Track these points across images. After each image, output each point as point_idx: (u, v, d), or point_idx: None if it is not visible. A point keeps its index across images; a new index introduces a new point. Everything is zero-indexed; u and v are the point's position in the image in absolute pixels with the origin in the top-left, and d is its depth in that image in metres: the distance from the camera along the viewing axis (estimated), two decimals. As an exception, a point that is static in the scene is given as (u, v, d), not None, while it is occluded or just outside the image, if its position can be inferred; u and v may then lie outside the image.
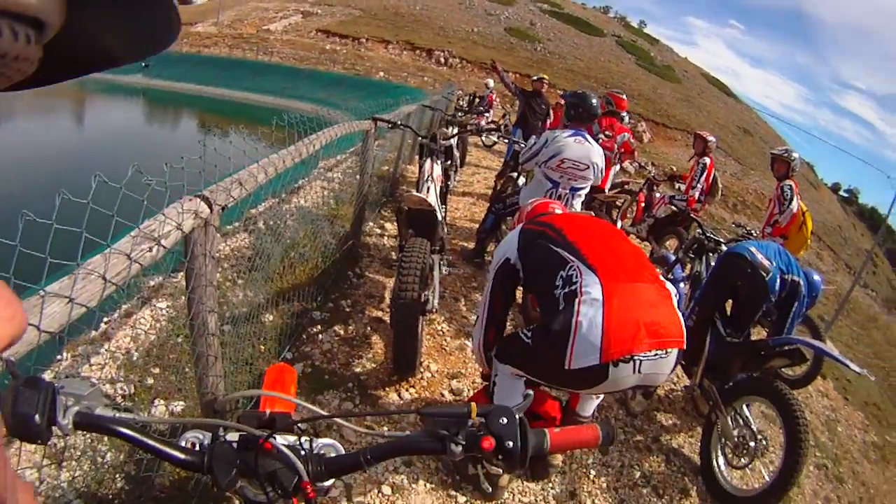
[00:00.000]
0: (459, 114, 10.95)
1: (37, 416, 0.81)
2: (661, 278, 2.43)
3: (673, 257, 5.20)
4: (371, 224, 6.28)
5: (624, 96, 8.30)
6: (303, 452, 0.98)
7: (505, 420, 0.95)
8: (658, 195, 8.28)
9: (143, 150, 19.65)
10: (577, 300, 2.18)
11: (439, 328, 4.47)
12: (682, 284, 5.01)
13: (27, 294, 1.41)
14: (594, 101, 4.62)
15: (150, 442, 0.93)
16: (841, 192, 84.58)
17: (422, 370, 3.86)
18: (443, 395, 3.70)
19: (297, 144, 3.32)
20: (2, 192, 16.80)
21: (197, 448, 0.97)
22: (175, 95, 36.65)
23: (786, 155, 6.25)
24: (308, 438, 1.01)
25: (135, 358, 3.56)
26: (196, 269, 2.13)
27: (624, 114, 8.40)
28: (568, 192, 4.48)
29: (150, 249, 1.67)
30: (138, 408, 3.12)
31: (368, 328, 4.25)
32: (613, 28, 63.50)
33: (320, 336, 4.07)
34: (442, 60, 42.91)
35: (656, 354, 2.15)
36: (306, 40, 45.56)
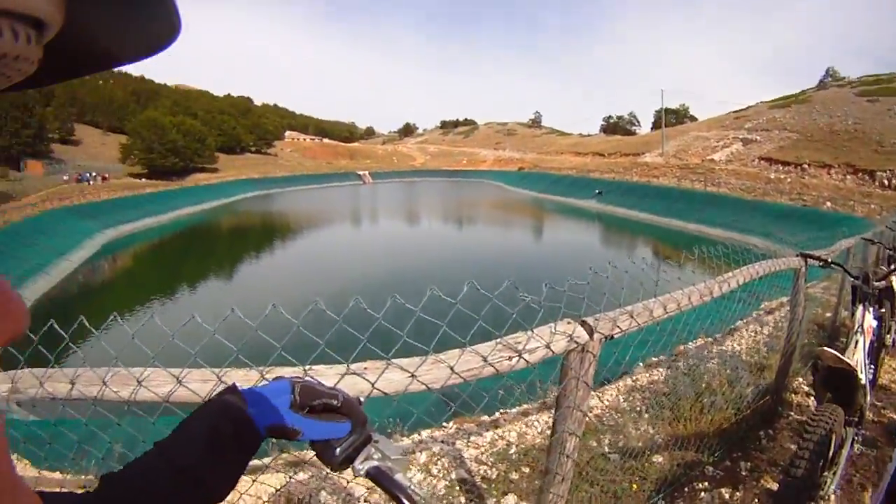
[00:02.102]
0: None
1: (337, 450, 0.92)
2: None
3: None
4: (800, 380, 5.41)
5: None
6: None
7: None
8: None
9: (565, 269, 21.16)
10: None
11: None
12: None
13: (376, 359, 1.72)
14: None
15: None
16: None
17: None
18: None
19: (707, 282, 3.12)
20: (415, 272, 20.17)
21: None
22: (628, 222, 39.33)
23: None
24: None
25: (511, 452, 3.67)
26: (567, 391, 2.17)
27: None
28: None
29: (510, 359, 1.82)
30: (490, 494, 3.33)
31: (756, 500, 3.59)
32: None
33: (702, 494, 3.59)
34: (885, 182, 37.78)
35: None
36: (750, 169, 45.61)
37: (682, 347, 5.50)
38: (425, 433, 3.94)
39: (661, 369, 5.22)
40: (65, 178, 58.93)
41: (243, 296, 23.14)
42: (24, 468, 4.57)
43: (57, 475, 4.34)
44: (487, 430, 4.03)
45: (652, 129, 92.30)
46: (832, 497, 3.50)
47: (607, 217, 40.94)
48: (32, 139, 61.77)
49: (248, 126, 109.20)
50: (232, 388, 0.85)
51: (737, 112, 67.97)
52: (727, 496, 3.60)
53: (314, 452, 0.93)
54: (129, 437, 1.79)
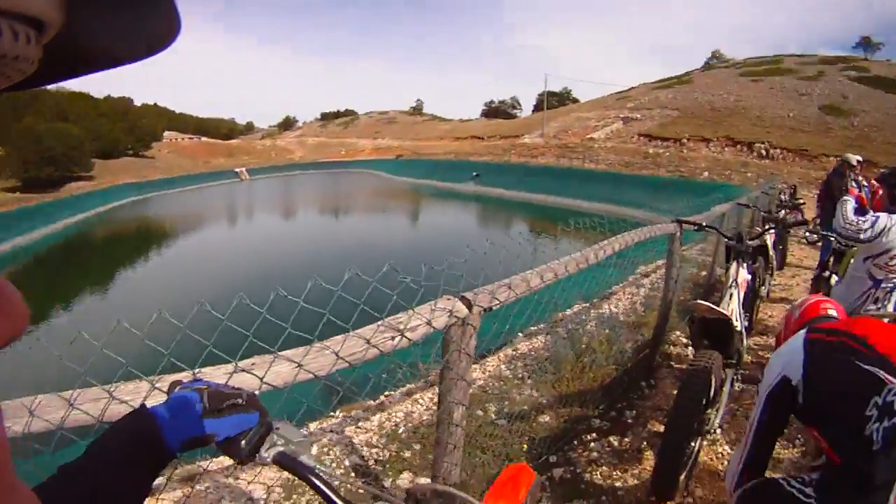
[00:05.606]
0: (783, 210, 9.90)
1: (243, 443, 0.95)
2: None
3: None
4: (678, 333, 5.87)
5: None
6: None
7: None
8: None
9: (444, 251, 21.22)
10: None
11: (720, 450, 3.91)
12: None
13: (262, 353, 1.70)
14: None
15: (334, 497, 0.99)
16: None
17: (685, 494, 3.39)
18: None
19: (584, 251, 3.27)
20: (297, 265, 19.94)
21: None
22: (505, 202, 39.59)
23: None
24: None
25: (400, 431, 3.77)
26: (450, 363, 2.26)
27: None
28: (889, 290, 3.76)
29: (392, 339, 1.88)
30: (386, 475, 3.36)
31: (644, 442, 3.92)
32: (930, 80, 54.15)
33: (591, 444, 3.87)
34: (763, 153, 40.33)
35: None
36: (629, 146, 46.32)
37: (560, 315, 5.75)
38: (314, 425, 3.96)
39: (540, 336, 5.43)
40: None
41: (125, 307, 21.97)
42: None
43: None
44: (375, 414, 4.08)
45: (533, 112, 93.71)
46: (718, 430, 3.87)
47: (485, 198, 40.74)
48: None
49: (125, 128, 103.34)
50: (141, 411, 0.85)
51: (619, 93, 69.31)
52: (616, 443, 3.90)
53: (222, 451, 0.95)
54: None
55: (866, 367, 1.81)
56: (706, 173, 36.62)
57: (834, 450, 1.88)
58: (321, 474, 1.01)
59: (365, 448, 3.68)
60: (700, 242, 9.16)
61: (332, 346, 1.74)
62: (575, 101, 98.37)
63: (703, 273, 8.12)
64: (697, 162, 39.79)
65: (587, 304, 6.19)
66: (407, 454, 3.59)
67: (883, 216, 3.70)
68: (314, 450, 3.48)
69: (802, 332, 2.20)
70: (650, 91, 63.25)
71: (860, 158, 9.30)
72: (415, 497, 1.08)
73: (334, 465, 3.36)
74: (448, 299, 2.14)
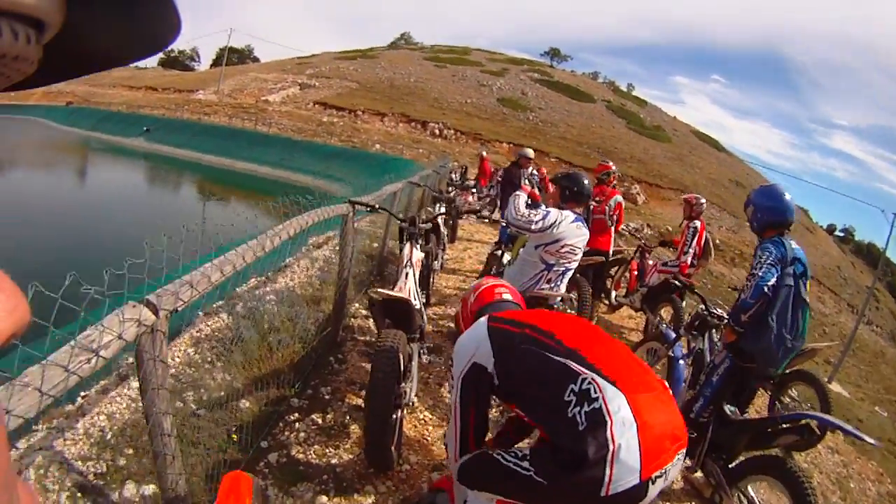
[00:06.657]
0: (451, 189, 10.72)
1: None
2: (658, 377, 2.30)
3: (673, 335, 5.04)
4: (357, 305, 6.09)
5: (609, 162, 8.31)
6: None
7: None
8: (650, 262, 8.09)
9: (126, 226, 18.72)
10: (607, 422, 1.94)
11: (421, 417, 4.24)
12: (682, 362, 4.88)
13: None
14: (586, 181, 4.51)
15: None
16: (836, 233, 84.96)
17: (401, 462, 3.66)
18: (422, 489, 3.45)
19: (259, 238, 3.23)
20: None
21: None
22: (175, 161, 37.03)
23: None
24: None
25: (108, 437, 3.48)
26: (146, 375, 2.12)
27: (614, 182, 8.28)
28: (561, 272, 4.37)
29: (89, 361, 1.67)
30: (109, 488, 3.11)
31: (347, 417, 4.07)
32: (603, 93, 66.03)
33: (297, 424, 3.90)
34: (437, 132, 43.84)
35: (677, 458, 2.07)
36: (304, 112, 46.53)
37: (237, 290, 5.67)
38: (21, 443, 3.36)
39: (222, 315, 5.25)
40: None
41: None
42: None
43: None
44: (77, 421, 3.63)
45: (212, 66, 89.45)
46: (415, 401, 4.15)
47: (155, 156, 37.44)
48: None
49: None
50: None
51: (301, 58, 69.38)
52: (320, 420, 3.98)
53: None
54: None
55: (558, 358, 2.14)
56: (378, 146, 38.27)
57: (541, 428, 2.20)
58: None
59: (80, 462, 3.22)
60: (370, 214, 9.54)
61: (31, 381, 1.49)
62: (256, 60, 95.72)
63: (376, 245, 8.45)
64: (370, 134, 41.53)
65: (262, 279, 6.15)
66: (122, 461, 3.26)
67: (554, 211, 4.26)
68: (32, 474, 3.00)
69: (484, 319, 2.50)
70: (333, 60, 64.48)
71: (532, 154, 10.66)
72: None
73: (56, 487, 2.93)
74: (134, 306, 1.96)
